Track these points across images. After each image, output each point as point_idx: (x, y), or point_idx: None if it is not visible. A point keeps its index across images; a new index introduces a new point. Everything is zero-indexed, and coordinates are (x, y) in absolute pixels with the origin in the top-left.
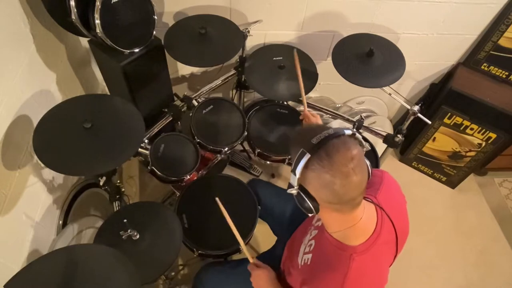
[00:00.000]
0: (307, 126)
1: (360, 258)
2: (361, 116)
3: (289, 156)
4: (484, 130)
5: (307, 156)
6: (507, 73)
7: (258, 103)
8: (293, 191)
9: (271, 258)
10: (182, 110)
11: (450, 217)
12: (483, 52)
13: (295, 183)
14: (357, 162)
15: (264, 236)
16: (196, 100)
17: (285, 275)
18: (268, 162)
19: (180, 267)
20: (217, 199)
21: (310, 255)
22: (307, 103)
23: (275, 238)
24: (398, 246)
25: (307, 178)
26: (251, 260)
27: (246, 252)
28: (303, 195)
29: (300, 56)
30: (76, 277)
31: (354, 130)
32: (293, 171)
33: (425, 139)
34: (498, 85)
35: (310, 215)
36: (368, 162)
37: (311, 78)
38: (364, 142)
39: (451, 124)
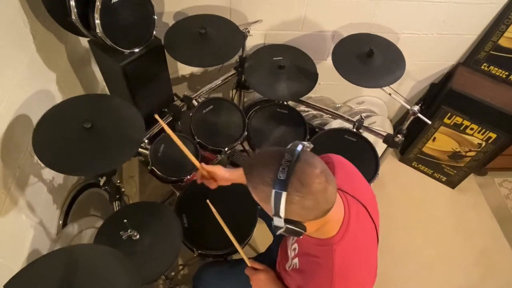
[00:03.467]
0: (257, 159)
1: (340, 246)
2: (361, 116)
3: None
4: (484, 130)
5: (284, 194)
6: (507, 73)
7: (258, 103)
8: (282, 230)
9: (268, 258)
10: (182, 110)
11: (450, 217)
12: (483, 52)
13: (281, 223)
14: (326, 172)
15: (263, 236)
16: (196, 100)
17: (281, 276)
18: None
19: (180, 267)
20: (207, 201)
21: (297, 259)
22: (307, 103)
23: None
24: (372, 217)
25: (290, 212)
26: (248, 264)
27: (243, 255)
28: (291, 227)
29: (300, 56)
30: (76, 277)
31: (301, 142)
32: (276, 214)
33: (425, 139)
34: (498, 85)
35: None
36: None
37: (311, 78)
38: (307, 144)
39: (451, 124)
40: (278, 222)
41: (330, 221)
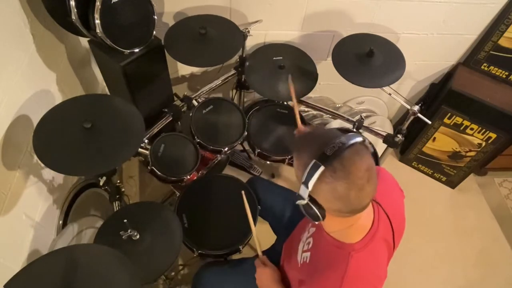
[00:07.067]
0: (313, 131)
1: (359, 255)
2: (361, 116)
3: (289, 156)
4: (484, 130)
5: (321, 169)
6: (507, 73)
7: (258, 103)
8: (303, 203)
9: (270, 257)
10: (182, 110)
11: (450, 217)
12: (483, 52)
13: (305, 195)
14: (371, 172)
15: (264, 235)
16: (196, 100)
17: (284, 276)
18: (268, 162)
19: (180, 267)
20: (243, 192)
21: (308, 254)
22: (307, 103)
23: (275, 237)
24: (395, 241)
25: (318, 189)
26: (260, 255)
27: (258, 245)
28: (311, 205)
29: (300, 56)
30: (76, 277)
31: (363, 137)
32: (305, 183)
33: (425, 139)
34: (498, 85)
35: (317, 222)
36: None
37: (311, 78)
38: (369, 145)
39: (451, 124)
40: (303, 191)
41: (356, 226)
